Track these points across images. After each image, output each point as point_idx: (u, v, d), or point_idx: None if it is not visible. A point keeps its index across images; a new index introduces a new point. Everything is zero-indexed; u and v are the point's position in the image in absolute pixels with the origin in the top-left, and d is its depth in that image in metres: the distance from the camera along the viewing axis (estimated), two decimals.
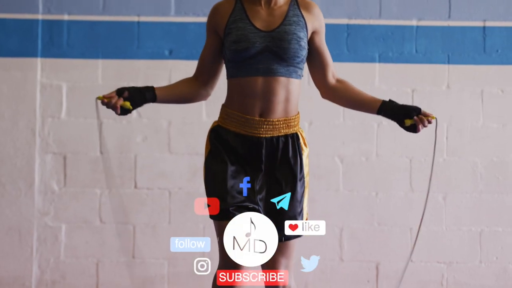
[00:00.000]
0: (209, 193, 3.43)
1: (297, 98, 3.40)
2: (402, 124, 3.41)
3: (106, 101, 3.28)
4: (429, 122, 3.40)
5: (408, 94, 5.40)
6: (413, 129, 3.40)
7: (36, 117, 5.36)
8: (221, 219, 3.34)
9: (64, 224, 5.38)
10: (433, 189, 5.42)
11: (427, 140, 5.36)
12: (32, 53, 5.36)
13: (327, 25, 5.24)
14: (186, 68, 5.30)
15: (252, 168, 3.36)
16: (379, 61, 5.41)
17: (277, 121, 3.34)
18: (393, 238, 5.43)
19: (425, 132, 5.40)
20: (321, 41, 3.45)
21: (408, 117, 3.38)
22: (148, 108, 5.27)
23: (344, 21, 5.40)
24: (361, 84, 5.32)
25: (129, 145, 5.37)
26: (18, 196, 5.35)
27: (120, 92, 3.32)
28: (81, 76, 5.38)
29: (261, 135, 3.34)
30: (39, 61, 5.36)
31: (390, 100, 3.45)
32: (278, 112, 3.34)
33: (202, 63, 3.50)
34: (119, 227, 5.39)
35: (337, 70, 3.51)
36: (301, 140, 3.42)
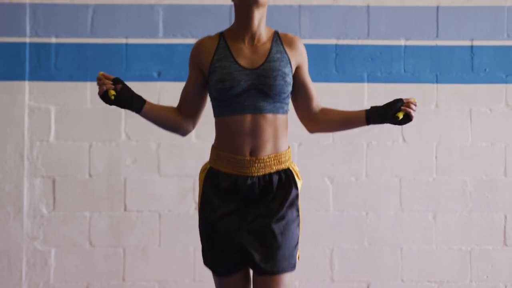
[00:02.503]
0: (203, 248, 3.45)
1: (286, 133, 3.40)
2: (395, 120, 3.38)
3: (101, 79, 3.30)
4: (415, 104, 3.36)
5: None
6: (407, 118, 3.36)
7: (25, 140, 5.34)
8: (216, 275, 3.41)
9: (54, 248, 5.35)
10: (423, 208, 5.43)
11: (416, 159, 5.39)
12: (20, 77, 5.34)
13: (315, 46, 5.30)
14: (175, 90, 5.27)
15: (246, 207, 3.34)
16: (368, 81, 5.42)
17: (268, 158, 3.33)
18: (383, 257, 5.42)
19: (414, 152, 5.44)
20: (305, 75, 3.47)
21: (397, 110, 3.35)
22: (137, 130, 5.29)
23: (332, 41, 5.41)
24: (350, 104, 5.35)
25: (118, 168, 5.36)
26: (7, 220, 5.32)
27: (117, 81, 3.32)
28: (70, 99, 5.36)
29: (253, 174, 3.33)
30: (27, 84, 5.35)
31: (371, 106, 3.43)
32: (268, 149, 3.33)
33: (185, 98, 3.50)
34: (109, 250, 5.36)
35: (320, 99, 3.53)
36: (294, 174, 3.41)
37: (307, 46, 5.32)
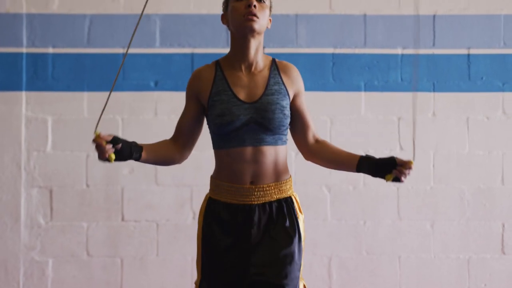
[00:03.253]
0: (203, 279, 3.40)
1: (286, 162, 3.39)
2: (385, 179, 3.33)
3: (99, 142, 3.19)
4: (409, 168, 3.25)
5: (394, 122, 5.41)
6: (397, 180, 3.32)
7: (22, 151, 5.33)
8: None
9: (51, 259, 5.34)
10: (420, 216, 5.43)
11: (413, 168, 5.39)
12: (17, 87, 5.34)
13: (312, 55, 5.30)
14: (172, 99, 5.32)
15: (246, 238, 3.30)
16: (365, 90, 5.42)
17: (268, 186, 3.32)
18: (382, 266, 5.41)
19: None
20: (301, 103, 3.45)
21: (387, 172, 3.30)
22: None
23: (329, 50, 5.41)
24: (347, 113, 5.38)
25: (116, 178, 5.35)
26: (4, 231, 5.31)
27: (115, 141, 3.20)
28: (67, 109, 5.36)
29: (253, 202, 3.31)
30: (24, 94, 5.34)
31: (366, 156, 3.37)
32: (269, 177, 3.32)
33: (181, 128, 3.47)
34: (107, 260, 5.35)
35: (317, 129, 3.53)
36: (295, 205, 3.39)
37: (304, 55, 5.37)
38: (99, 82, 5.36)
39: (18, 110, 5.33)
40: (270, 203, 3.33)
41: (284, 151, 3.37)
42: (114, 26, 5.39)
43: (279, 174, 3.35)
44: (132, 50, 5.36)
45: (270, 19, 3.42)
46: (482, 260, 5.44)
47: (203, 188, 5.13)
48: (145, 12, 5.36)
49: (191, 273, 5.33)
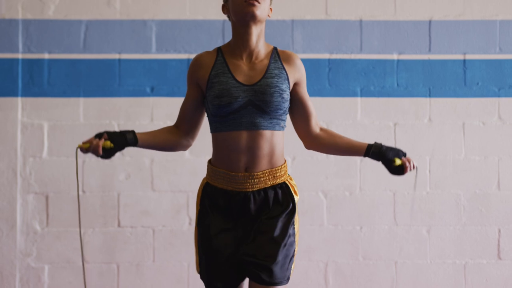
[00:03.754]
0: (201, 261, 3.43)
1: (282, 149, 3.40)
2: (390, 164, 3.42)
3: (86, 147, 3.25)
4: (414, 167, 3.44)
5: (390, 127, 5.41)
6: (400, 170, 3.41)
7: (17, 157, 5.32)
8: None
9: (47, 265, 5.32)
10: (417, 222, 5.43)
11: (409, 173, 5.39)
12: (13, 93, 5.33)
13: (308, 60, 5.30)
14: (168, 105, 5.31)
15: (242, 223, 3.35)
16: (361, 95, 5.42)
17: (262, 173, 3.33)
18: (378, 272, 5.41)
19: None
20: (304, 92, 3.46)
21: (397, 156, 3.40)
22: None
23: (325, 56, 5.41)
24: (344, 119, 5.38)
25: (112, 183, 5.34)
26: (0, 237, 5.30)
27: (99, 136, 3.29)
28: (63, 114, 5.35)
29: (248, 190, 3.33)
30: (19, 100, 5.33)
31: (375, 142, 3.47)
32: (263, 165, 3.33)
33: (183, 113, 3.48)
34: (103, 267, 5.34)
35: (318, 118, 3.55)
36: (291, 189, 3.41)
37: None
38: (95, 87, 5.35)
39: (14, 116, 5.32)
40: (265, 189, 3.35)
41: (280, 137, 3.38)
42: (110, 31, 5.39)
43: (274, 160, 3.36)
44: (127, 56, 5.36)
45: (271, 8, 3.43)
46: (478, 265, 5.44)
47: None
48: (141, 17, 5.39)
49: (188, 279, 5.33)
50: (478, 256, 5.44)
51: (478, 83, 5.47)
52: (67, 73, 5.37)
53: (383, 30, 5.44)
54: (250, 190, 3.33)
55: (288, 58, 3.42)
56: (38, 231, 5.33)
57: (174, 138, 3.47)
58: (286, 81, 3.36)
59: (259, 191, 3.34)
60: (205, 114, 3.50)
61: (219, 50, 3.43)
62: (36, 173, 5.33)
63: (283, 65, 3.39)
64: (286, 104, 3.36)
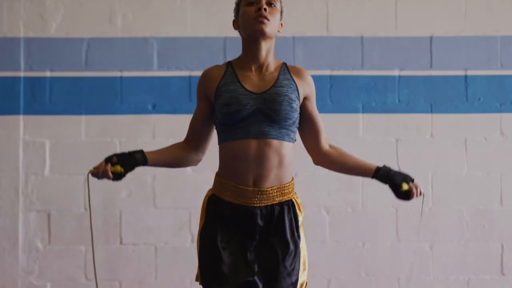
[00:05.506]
0: (202, 276, 3.38)
1: (291, 163, 3.37)
2: (397, 189, 3.41)
3: (96, 171, 3.24)
4: (420, 193, 3.42)
5: (392, 144, 5.41)
6: (407, 195, 3.40)
7: (19, 174, 5.32)
8: None
9: (49, 283, 5.32)
10: (419, 238, 5.42)
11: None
12: (15, 111, 5.34)
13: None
14: (170, 122, 5.31)
15: (247, 237, 3.32)
16: (363, 112, 5.42)
17: (271, 189, 3.31)
18: None
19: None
20: (313, 107, 3.46)
21: (405, 181, 3.39)
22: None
23: (327, 72, 5.42)
24: (345, 135, 5.38)
25: (114, 201, 5.34)
26: (2, 255, 5.29)
27: (108, 159, 3.28)
28: (64, 132, 5.36)
29: (255, 205, 3.31)
30: (21, 118, 5.34)
31: (384, 165, 3.46)
32: (272, 179, 3.31)
33: (193, 128, 3.47)
34: (105, 284, 5.33)
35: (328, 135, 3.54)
36: (296, 207, 3.40)
37: None
38: (97, 105, 5.36)
39: (16, 134, 5.33)
40: (272, 205, 3.33)
41: (290, 149, 3.34)
42: (111, 49, 5.40)
43: (282, 175, 3.34)
44: (129, 73, 5.37)
45: (281, 24, 3.45)
46: (481, 281, 5.43)
47: None
48: (142, 35, 5.40)
49: None
50: (482, 272, 5.43)
51: (479, 99, 5.47)
52: (69, 91, 5.38)
53: (384, 46, 5.45)
54: (258, 205, 3.31)
55: (298, 73, 3.42)
56: (40, 249, 5.33)
57: (183, 154, 3.46)
58: (296, 92, 3.34)
59: (266, 206, 3.33)
60: (214, 128, 3.49)
61: (229, 63, 3.43)
62: (38, 191, 5.33)
63: (292, 78, 3.38)
64: (296, 115, 3.34)
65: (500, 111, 5.47)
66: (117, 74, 5.39)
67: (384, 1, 5.50)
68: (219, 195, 3.37)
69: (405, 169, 5.28)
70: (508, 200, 5.45)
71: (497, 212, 5.44)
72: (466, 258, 5.43)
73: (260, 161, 3.28)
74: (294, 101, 3.32)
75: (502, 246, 5.45)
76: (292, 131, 3.36)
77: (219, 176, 3.39)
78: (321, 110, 5.35)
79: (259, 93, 3.30)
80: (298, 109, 3.37)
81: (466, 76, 5.47)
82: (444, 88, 5.47)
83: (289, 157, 3.35)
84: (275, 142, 3.29)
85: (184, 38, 5.41)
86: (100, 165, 3.27)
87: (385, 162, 5.27)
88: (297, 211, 3.41)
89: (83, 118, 5.37)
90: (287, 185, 3.36)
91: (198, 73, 5.35)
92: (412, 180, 3.43)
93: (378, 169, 3.46)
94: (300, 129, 3.47)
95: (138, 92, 5.38)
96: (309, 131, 3.47)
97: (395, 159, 5.38)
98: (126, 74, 5.38)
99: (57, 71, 5.38)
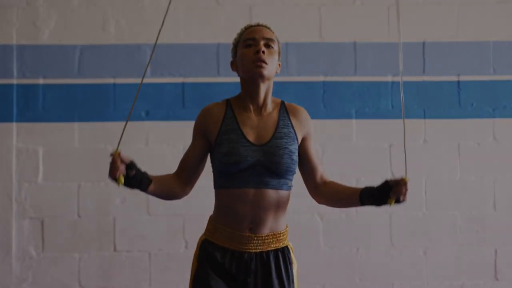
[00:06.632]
0: None
1: (286, 208, 3.37)
2: (386, 202, 3.31)
3: (115, 160, 3.15)
4: (405, 185, 3.18)
5: (386, 149, 5.42)
6: (398, 201, 3.30)
7: (13, 182, 5.31)
8: None
9: None
10: (413, 243, 5.42)
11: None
12: (8, 118, 5.33)
13: (303, 83, 5.30)
14: (163, 129, 5.31)
15: (240, 283, 3.29)
16: (356, 117, 5.43)
17: (267, 236, 3.31)
18: None
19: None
20: (309, 146, 3.45)
21: (388, 197, 3.26)
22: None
23: (320, 78, 5.42)
24: (339, 141, 5.38)
25: (107, 208, 5.33)
26: None
27: (130, 166, 3.19)
28: (58, 139, 5.35)
29: (251, 251, 3.30)
30: (14, 125, 5.33)
31: (365, 188, 3.30)
32: (268, 226, 3.30)
33: (187, 164, 3.44)
34: None
35: (325, 171, 3.51)
36: (291, 254, 3.39)
37: (295, 84, 5.38)
38: (90, 112, 5.35)
39: (9, 141, 5.32)
40: (268, 252, 3.32)
41: (286, 197, 3.35)
42: (104, 56, 5.39)
43: (278, 222, 3.34)
44: (122, 80, 5.36)
45: (279, 64, 3.43)
46: (475, 286, 5.43)
47: (195, 217, 5.14)
48: (135, 42, 5.40)
49: None
50: (475, 277, 5.43)
51: (472, 104, 5.48)
52: (62, 98, 5.37)
53: (377, 52, 5.46)
54: (253, 251, 3.30)
55: (296, 113, 3.42)
56: (33, 256, 5.31)
57: (174, 190, 3.42)
58: (295, 141, 3.35)
59: (261, 253, 3.31)
60: (204, 164, 3.46)
61: (228, 102, 3.42)
62: (32, 198, 5.32)
63: (291, 122, 3.38)
64: (295, 166, 3.35)
65: (493, 116, 5.48)
66: (110, 81, 5.39)
67: (376, 7, 5.51)
68: (213, 240, 3.34)
69: (398, 175, 5.32)
70: (501, 205, 5.46)
71: (490, 217, 5.45)
72: (460, 263, 5.43)
73: (258, 208, 3.28)
74: (294, 153, 3.32)
75: (496, 251, 5.45)
76: (290, 179, 3.37)
77: (214, 221, 3.37)
78: (315, 116, 5.35)
79: (260, 145, 3.29)
80: (297, 159, 3.37)
81: (459, 82, 5.48)
82: (437, 93, 5.47)
83: (285, 204, 3.36)
84: (273, 191, 3.29)
85: (177, 44, 5.40)
86: (123, 161, 3.16)
87: (378, 168, 5.34)
88: (292, 258, 3.39)
89: (76, 125, 5.36)
90: (282, 231, 3.37)
91: (191, 79, 5.36)
92: (389, 186, 3.21)
93: (361, 199, 3.29)
94: (299, 167, 3.47)
95: (131, 99, 5.37)
96: (306, 169, 3.47)
97: (388, 165, 5.39)
98: (119, 81, 5.38)
99: (50, 78, 5.37)
